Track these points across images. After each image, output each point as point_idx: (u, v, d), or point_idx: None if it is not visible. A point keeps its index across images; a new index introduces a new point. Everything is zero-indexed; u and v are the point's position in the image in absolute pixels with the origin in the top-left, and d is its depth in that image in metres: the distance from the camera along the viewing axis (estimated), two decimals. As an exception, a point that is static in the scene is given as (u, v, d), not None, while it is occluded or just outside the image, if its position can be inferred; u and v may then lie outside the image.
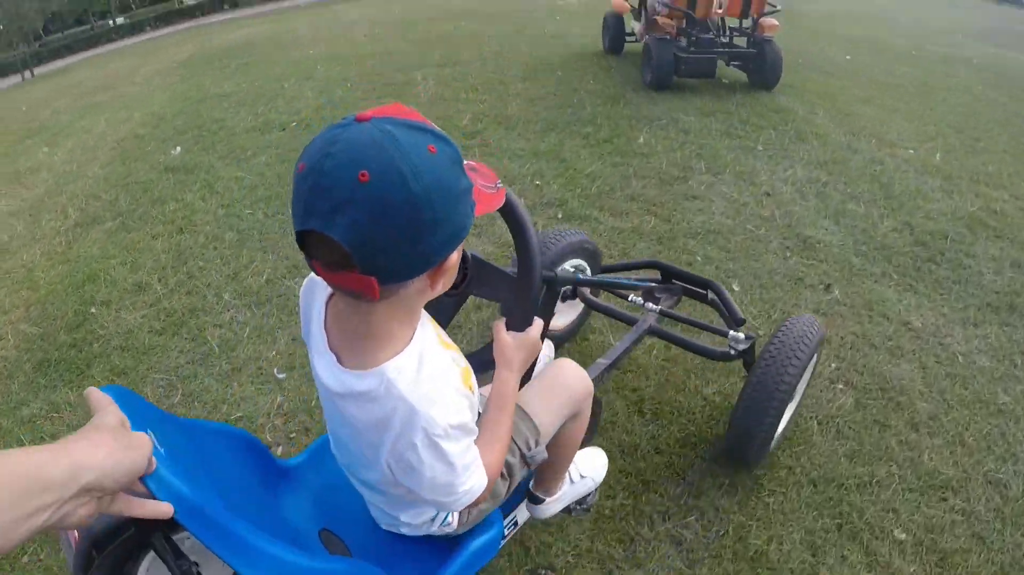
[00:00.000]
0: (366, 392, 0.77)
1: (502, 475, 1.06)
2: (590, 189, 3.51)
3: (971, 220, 3.42)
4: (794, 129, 4.58)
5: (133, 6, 37.78)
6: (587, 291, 2.05)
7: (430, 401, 0.76)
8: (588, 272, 2.13)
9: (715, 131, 4.48)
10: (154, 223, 3.53)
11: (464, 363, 0.91)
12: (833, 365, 2.28)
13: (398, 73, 6.39)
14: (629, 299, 1.99)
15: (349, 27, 10.69)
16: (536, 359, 1.06)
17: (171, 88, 7.67)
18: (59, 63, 24.57)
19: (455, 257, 0.74)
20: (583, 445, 1.34)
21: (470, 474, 0.83)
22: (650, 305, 1.90)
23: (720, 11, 5.53)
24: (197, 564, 0.87)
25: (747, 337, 1.78)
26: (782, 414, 1.64)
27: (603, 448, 1.56)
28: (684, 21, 5.33)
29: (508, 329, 1.00)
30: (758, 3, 5.40)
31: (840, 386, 2.20)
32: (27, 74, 22.29)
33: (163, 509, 0.67)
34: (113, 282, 2.96)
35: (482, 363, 1.03)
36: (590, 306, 2.04)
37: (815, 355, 1.76)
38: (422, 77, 6.09)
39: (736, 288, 2.66)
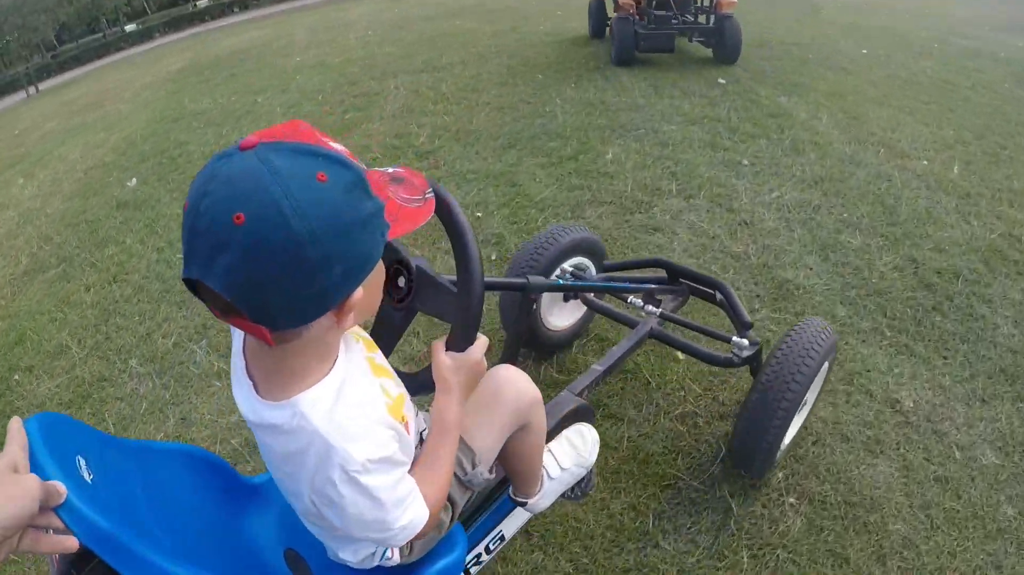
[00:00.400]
0: (279, 425, 0.71)
1: (445, 508, 0.98)
2: (536, 221, 3.07)
3: (989, 252, 2.86)
4: (791, 138, 4.04)
5: (148, 10, 37.96)
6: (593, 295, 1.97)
7: (346, 435, 0.70)
8: (592, 271, 2.05)
9: (698, 142, 3.97)
10: (91, 271, 3.35)
11: (398, 391, 0.86)
12: (783, 473, 1.80)
13: (374, 81, 6.03)
14: (628, 301, 1.89)
15: (345, 29, 10.43)
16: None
17: (153, 105, 7.54)
18: (67, 75, 24.20)
19: (359, 293, 0.67)
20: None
21: (404, 509, 0.77)
22: (650, 307, 1.82)
23: None
24: None
25: (752, 343, 1.69)
26: (788, 423, 1.55)
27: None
28: (644, 1, 5.71)
29: (448, 349, 0.93)
30: None
31: (791, 500, 1.73)
32: (32, 90, 21.67)
33: (66, 544, 0.66)
34: (39, 344, 2.80)
35: (422, 385, 0.95)
36: (591, 307, 1.97)
37: (826, 363, 1.65)
38: (395, 86, 5.70)
39: (680, 357, 2.19)
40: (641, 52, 5.61)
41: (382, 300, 0.90)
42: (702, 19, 5.94)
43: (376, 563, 0.95)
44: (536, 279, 1.37)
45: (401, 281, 1.01)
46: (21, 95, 21.99)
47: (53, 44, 31.87)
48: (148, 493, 0.86)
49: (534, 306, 1.41)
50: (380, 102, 5.32)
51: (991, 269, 2.75)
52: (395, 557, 0.96)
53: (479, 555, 1.24)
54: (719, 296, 1.86)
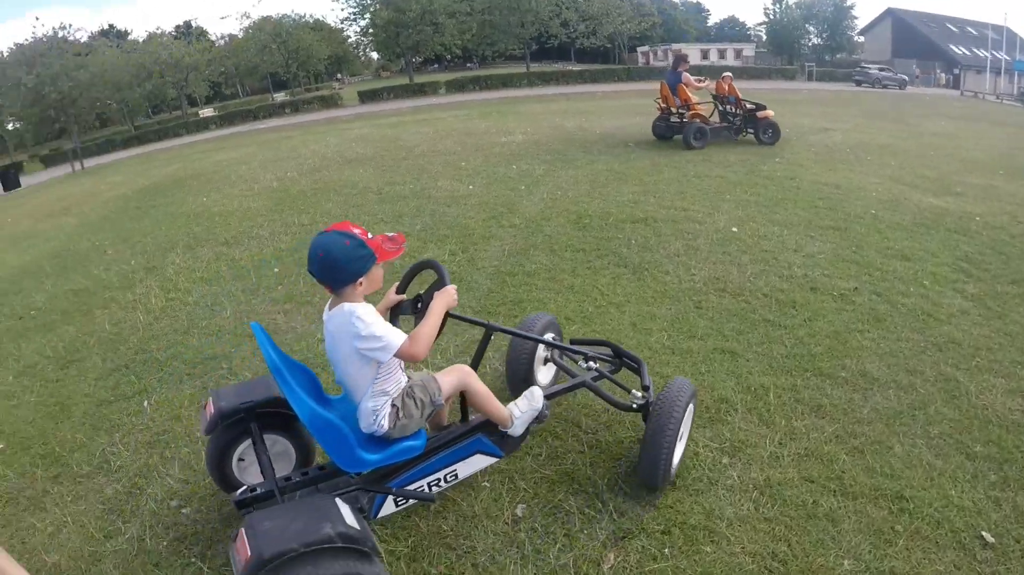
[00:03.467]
0: (334, 314, 1.97)
1: (417, 404, 2.08)
2: None
3: None
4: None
5: (240, 93, 40.52)
6: (557, 357, 2.98)
7: (353, 313, 1.91)
8: (559, 339, 3.13)
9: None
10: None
11: (380, 314, 2.09)
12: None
13: (167, 252, 6.06)
14: (579, 362, 2.80)
15: (282, 164, 10.89)
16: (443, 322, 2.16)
17: (72, 231, 8.02)
18: (118, 155, 25.30)
19: (363, 281, 1.97)
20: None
21: (385, 335, 1.92)
22: (590, 364, 2.76)
23: (675, 107, 10.16)
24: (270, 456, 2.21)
25: (643, 396, 2.54)
26: (674, 448, 2.34)
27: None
28: (662, 111, 10.64)
29: (439, 288, 2.17)
30: (684, 98, 9.87)
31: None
32: (77, 165, 22.88)
33: None
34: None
35: (427, 300, 2.18)
36: (556, 365, 2.98)
37: (691, 405, 2.52)
38: (171, 261, 5.71)
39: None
40: (655, 135, 10.67)
41: (418, 295, 2.28)
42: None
43: (375, 428, 2.04)
44: (495, 324, 2.44)
45: (424, 288, 2.26)
46: (65, 169, 23.56)
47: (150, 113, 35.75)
48: (292, 372, 2.01)
49: (488, 341, 2.47)
50: (125, 294, 5.10)
51: None
52: (385, 426, 2.04)
53: (437, 480, 2.16)
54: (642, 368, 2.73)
